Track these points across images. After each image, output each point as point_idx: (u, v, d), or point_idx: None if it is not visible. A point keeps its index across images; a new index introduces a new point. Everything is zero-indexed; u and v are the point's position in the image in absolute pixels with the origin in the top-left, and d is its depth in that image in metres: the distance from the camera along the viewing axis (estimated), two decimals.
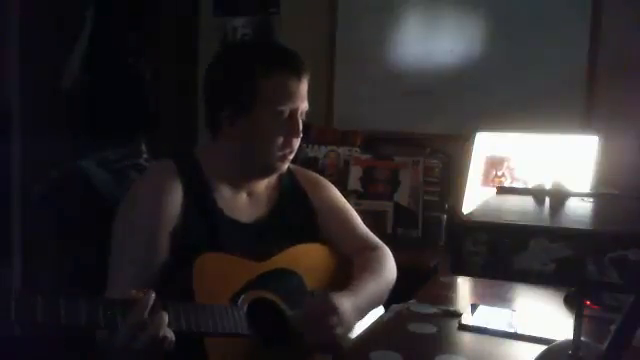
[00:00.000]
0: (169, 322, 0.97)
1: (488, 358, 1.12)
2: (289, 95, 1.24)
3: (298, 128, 1.27)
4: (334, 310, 1.14)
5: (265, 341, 1.15)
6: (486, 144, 2.21)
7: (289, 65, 1.25)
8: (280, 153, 1.27)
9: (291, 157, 1.31)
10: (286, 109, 1.24)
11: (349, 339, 1.21)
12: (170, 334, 0.97)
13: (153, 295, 0.96)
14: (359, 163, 2.60)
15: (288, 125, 1.26)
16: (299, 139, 1.29)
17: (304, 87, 1.27)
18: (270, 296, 1.21)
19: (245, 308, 1.14)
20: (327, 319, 1.13)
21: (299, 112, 1.27)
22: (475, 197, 2.13)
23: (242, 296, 1.16)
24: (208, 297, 1.10)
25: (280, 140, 1.26)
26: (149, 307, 0.95)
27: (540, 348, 0.90)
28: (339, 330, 1.14)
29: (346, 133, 2.70)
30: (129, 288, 1.00)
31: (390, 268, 1.40)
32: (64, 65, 2.80)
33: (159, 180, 1.25)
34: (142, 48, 2.87)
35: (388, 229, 2.46)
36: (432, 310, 1.30)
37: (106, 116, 2.66)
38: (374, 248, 1.43)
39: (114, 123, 2.61)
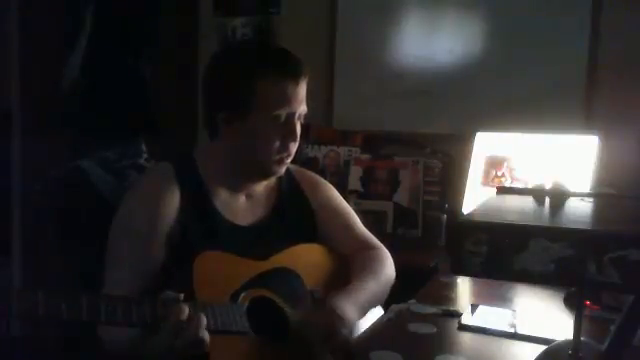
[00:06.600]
0: None
1: (488, 358, 1.12)
2: (286, 99, 1.22)
3: (295, 132, 1.26)
4: (342, 322, 1.13)
5: (265, 339, 1.15)
6: (486, 144, 2.21)
7: (287, 68, 1.23)
8: (277, 157, 1.26)
9: (288, 161, 1.30)
10: (283, 113, 1.22)
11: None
12: (206, 335, 0.99)
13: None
14: (359, 163, 2.60)
15: (285, 129, 1.24)
16: (296, 143, 1.28)
17: (302, 91, 1.25)
18: (270, 295, 1.21)
19: (245, 306, 1.14)
20: (337, 332, 1.11)
21: (297, 116, 1.25)
22: (475, 197, 2.13)
23: (242, 295, 1.16)
24: (208, 296, 1.10)
25: (277, 144, 1.25)
26: (188, 309, 0.98)
27: (540, 348, 0.90)
28: (349, 338, 1.14)
29: (346, 133, 2.70)
30: (123, 289, 1.01)
31: (389, 267, 1.39)
32: (64, 65, 2.80)
33: (156, 182, 1.25)
34: (142, 48, 2.87)
35: (388, 229, 2.46)
36: (432, 310, 1.29)
37: (106, 116, 2.65)
38: (373, 248, 1.43)
39: (114, 123, 2.60)
